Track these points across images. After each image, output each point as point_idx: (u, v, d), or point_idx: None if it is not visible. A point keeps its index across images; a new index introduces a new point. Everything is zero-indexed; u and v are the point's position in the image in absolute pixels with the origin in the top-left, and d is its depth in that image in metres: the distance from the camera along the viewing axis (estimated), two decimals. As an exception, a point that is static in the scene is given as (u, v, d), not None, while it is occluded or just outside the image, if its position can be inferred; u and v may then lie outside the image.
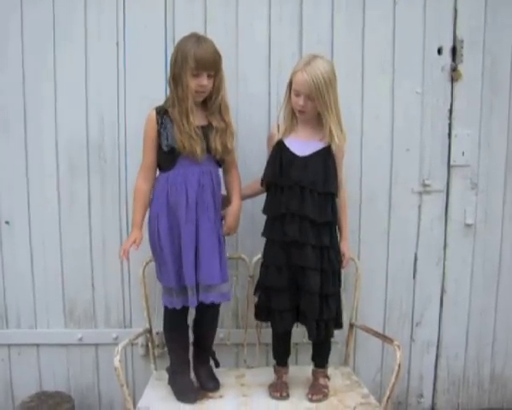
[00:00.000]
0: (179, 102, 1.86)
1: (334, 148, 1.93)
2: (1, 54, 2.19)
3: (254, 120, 2.26)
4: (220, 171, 2.02)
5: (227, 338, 2.29)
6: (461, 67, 2.32)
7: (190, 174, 1.90)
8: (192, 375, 2.04)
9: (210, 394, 1.99)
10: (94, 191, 2.28)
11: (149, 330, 2.16)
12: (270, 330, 2.06)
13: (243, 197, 2.08)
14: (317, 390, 1.97)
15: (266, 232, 1.99)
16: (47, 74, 2.21)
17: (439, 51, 2.31)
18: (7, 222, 2.28)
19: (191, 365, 2.05)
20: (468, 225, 2.40)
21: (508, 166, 2.40)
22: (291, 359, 2.12)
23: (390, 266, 2.40)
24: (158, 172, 1.97)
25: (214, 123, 1.92)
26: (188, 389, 1.96)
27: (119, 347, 1.81)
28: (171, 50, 1.97)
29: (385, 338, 1.99)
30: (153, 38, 2.21)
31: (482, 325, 2.47)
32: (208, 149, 1.91)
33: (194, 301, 1.88)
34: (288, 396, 1.96)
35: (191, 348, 2.08)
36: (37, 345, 2.34)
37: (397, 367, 1.79)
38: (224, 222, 1.99)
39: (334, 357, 2.14)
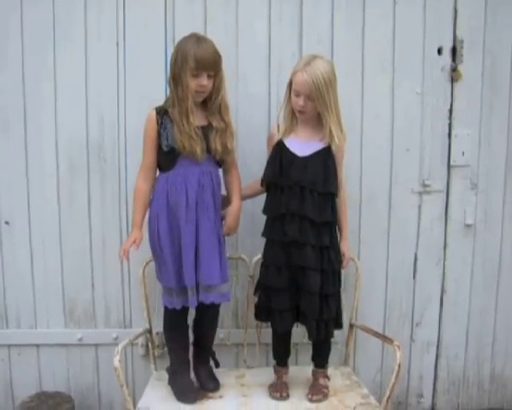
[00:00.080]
0: (179, 102, 1.86)
1: (334, 148, 1.93)
2: (1, 54, 2.19)
3: (254, 120, 2.26)
4: (220, 171, 2.02)
5: (227, 338, 2.29)
6: (461, 67, 2.32)
7: (190, 174, 1.90)
8: (192, 375, 2.04)
9: (210, 394, 1.98)
10: (94, 191, 2.28)
11: (149, 331, 2.16)
12: (270, 331, 2.06)
13: (243, 197, 2.07)
14: (317, 390, 1.97)
15: (266, 232, 1.99)
16: (47, 74, 2.21)
17: (439, 51, 2.31)
18: (7, 222, 2.28)
19: (191, 365, 2.05)
20: (468, 226, 2.41)
21: (508, 167, 2.40)
22: (291, 359, 2.12)
23: (390, 266, 2.40)
24: (158, 173, 1.97)
25: (214, 123, 1.92)
26: (188, 389, 1.96)
27: (119, 347, 1.81)
28: (171, 50, 1.97)
29: (385, 338, 1.99)
30: (153, 38, 2.21)
31: (482, 325, 2.47)
32: (208, 150, 1.91)
33: (194, 302, 1.88)
34: (287, 396, 1.96)
35: (191, 349, 2.08)
36: (37, 345, 2.34)
37: (397, 367, 1.79)
38: (224, 222, 1.99)
39: (334, 357, 2.14)
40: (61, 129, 2.24)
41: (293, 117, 1.97)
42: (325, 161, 1.93)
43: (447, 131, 2.36)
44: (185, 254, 1.87)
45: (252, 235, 2.23)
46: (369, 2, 2.26)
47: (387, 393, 1.82)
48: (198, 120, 1.90)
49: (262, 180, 2.00)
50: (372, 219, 2.36)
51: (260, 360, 2.27)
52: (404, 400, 2.50)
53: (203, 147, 1.88)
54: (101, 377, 2.37)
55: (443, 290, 2.44)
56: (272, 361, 2.11)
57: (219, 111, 1.94)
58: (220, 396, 1.98)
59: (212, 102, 1.93)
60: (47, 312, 2.33)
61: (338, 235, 2.02)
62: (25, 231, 2.28)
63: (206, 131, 1.91)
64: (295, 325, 2.01)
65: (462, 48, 2.30)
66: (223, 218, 1.99)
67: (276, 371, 2.07)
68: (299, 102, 1.88)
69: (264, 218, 2.00)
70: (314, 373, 2.05)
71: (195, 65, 1.81)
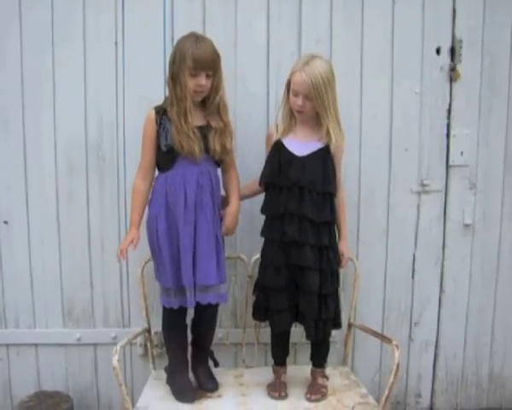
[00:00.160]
0: (178, 101, 1.86)
1: (332, 148, 1.93)
2: (0, 54, 2.19)
3: (253, 120, 2.26)
4: (219, 171, 2.02)
5: (226, 338, 2.29)
6: (459, 67, 2.32)
7: (189, 174, 1.90)
8: (190, 375, 2.04)
9: (208, 393, 1.99)
10: (92, 191, 2.28)
11: (148, 330, 2.16)
12: (268, 330, 2.06)
13: (242, 197, 2.07)
14: (316, 390, 1.97)
15: (265, 232, 1.99)
16: (46, 74, 2.21)
17: (438, 51, 2.31)
18: (5, 222, 2.28)
19: (190, 365, 2.05)
20: (466, 225, 2.41)
21: (506, 166, 2.40)
22: (290, 358, 2.12)
23: (389, 266, 2.40)
24: (157, 172, 1.98)
25: (213, 123, 1.92)
26: (186, 388, 1.96)
27: (118, 346, 1.81)
28: (169, 50, 1.97)
29: (383, 338, 1.99)
30: (151, 38, 2.21)
31: (481, 324, 2.48)
32: (207, 150, 1.91)
33: (192, 302, 1.88)
34: (286, 396, 1.97)
35: (190, 348, 2.08)
36: (36, 345, 2.34)
37: (395, 367, 1.79)
38: (222, 222, 1.99)
39: (332, 357, 2.14)
40: (60, 129, 2.24)
41: (292, 117, 1.97)
42: (324, 160, 1.93)
43: (446, 131, 2.36)
44: (183, 255, 1.87)
45: (250, 235, 2.23)
46: (368, 1, 2.26)
47: (386, 392, 1.82)
48: (197, 119, 1.90)
49: (260, 180, 2.00)
50: (371, 219, 2.36)
51: (259, 359, 2.27)
52: (403, 399, 2.50)
53: (201, 147, 1.88)
54: (100, 377, 2.38)
55: (441, 290, 2.44)
56: (271, 361, 2.11)
57: (218, 111, 1.94)
58: (219, 396, 1.98)
59: (210, 102, 1.93)
60: (45, 311, 2.33)
61: (336, 235, 2.02)
62: (23, 230, 2.28)
63: (204, 131, 1.91)
64: (294, 324, 2.01)
65: (460, 48, 2.30)
66: (221, 218, 1.99)
67: (274, 371, 2.07)
68: (298, 101, 1.88)
69: (262, 217, 2.00)
70: (313, 373, 2.05)
71: (193, 64, 1.81)
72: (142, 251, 2.00)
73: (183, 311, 1.97)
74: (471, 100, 2.35)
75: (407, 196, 2.37)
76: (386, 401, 1.82)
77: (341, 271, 2.05)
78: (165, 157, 1.92)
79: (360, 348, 2.41)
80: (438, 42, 2.31)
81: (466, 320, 2.46)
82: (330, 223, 1.95)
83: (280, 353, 2.08)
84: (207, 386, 2.01)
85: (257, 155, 2.19)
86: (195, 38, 1.85)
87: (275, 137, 1.99)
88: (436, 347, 2.48)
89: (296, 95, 1.88)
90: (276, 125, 2.01)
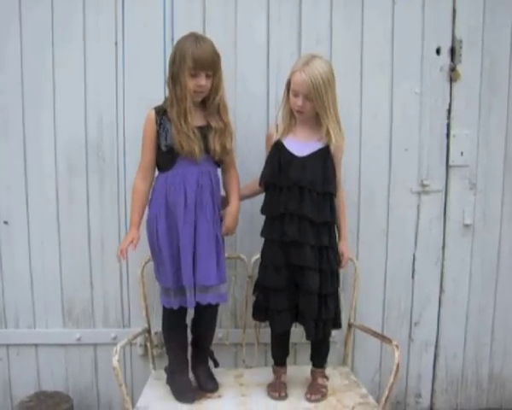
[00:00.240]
0: (177, 102, 1.86)
1: (332, 148, 1.93)
2: (0, 54, 2.19)
3: (253, 120, 2.26)
4: (219, 171, 2.02)
5: (226, 338, 2.29)
6: (459, 67, 2.32)
7: (189, 174, 1.90)
8: (190, 375, 2.04)
9: (208, 393, 1.98)
10: (92, 191, 2.28)
11: (148, 330, 2.16)
12: (268, 330, 2.06)
13: (242, 198, 2.07)
14: (316, 390, 1.97)
15: (265, 232, 1.99)
16: (46, 74, 2.21)
17: (438, 51, 2.31)
18: (5, 222, 2.28)
19: (189, 365, 2.05)
20: (466, 225, 2.41)
21: (506, 167, 2.40)
22: (289, 359, 2.12)
23: (389, 266, 2.40)
24: (157, 172, 1.97)
25: (213, 123, 1.92)
26: (186, 388, 1.96)
27: (118, 346, 1.81)
28: (169, 50, 1.97)
29: (383, 338, 1.99)
30: (151, 38, 2.21)
31: (481, 324, 2.48)
32: (207, 150, 1.91)
33: (192, 302, 1.88)
34: (286, 396, 1.97)
35: (190, 348, 2.08)
36: (36, 345, 2.34)
37: (395, 367, 1.79)
38: (223, 223, 1.99)
39: (332, 357, 2.14)
40: (60, 129, 2.24)
41: (292, 117, 1.97)
42: (324, 161, 1.93)
43: (446, 131, 2.36)
44: (183, 255, 1.87)
45: (250, 235, 2.23)
46: (368, 2, 2.26)
47: (386, 393, 1.82)
48: (197, 120, 1.90)
49: (260, 180, 2.00)
50: (371, 219, 2.36)
51: (259, 359, 2.27)
52: (403, 399, 2.50)
53: (201, 147, 1.88)
54: (100, 377, 2.38)
55: (441, 290, 2.44)
56: (271, 361, 2.11)
57: (218, 111, 1.94)
58: (219, 396, 1.98)
59: (210, 102, 1.93)
60: (45, 311, 2.33)
61: (336, 235, 2.02)
62: (23, 230, 2.28)
63: (204, 131, 1.91)
64: (294, 324, 2.01)
65: (460, 48, 2.30)
66: (222, 218, 1.99)
67: (274, 371, 2.07)
68: (298, 102, 1.88)
69: (262, 218, 1.99)
70: (313, 373, 2.05)
71: (193, 65, 1.81)
72: (142, 251, 2.00)
73: (183, 311, 1.97)
74: (471, 100, 2.35)
75: (407, 196, 2.37)
76: (386, 401, 1.82)
77: (341, 271, 2.05)
78: (165, 157, 1.91)
79: (360, 349, 2.41)
80: (438, 42, 2.31)
81: (466, 320, 2.46)
82: (330, 223, 1.95)
83: (280, 353, 2.08)
84: (207, 386, 2.01)
85: (257, 155, 2.19)
86: (195, 38, 1.85)
87: (275, 138, 1.99)
88: (436, 347, 2.48)
89: (296, 95, 1.88)
90: (276, 126, 2.01)
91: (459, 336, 2.48)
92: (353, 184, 2.31)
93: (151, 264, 2.03)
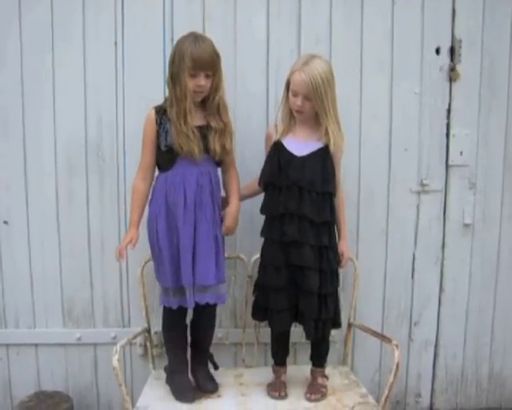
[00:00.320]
0: (177, 102, 1.86)
1: (332, 148, 1.93)
2: (0, 54, 2.19)
3: (253, 120, 2.26)
4: (219, 171, 2.01)
5: (225, 338, 2.29)
6: (459, 67, 2.32)
7: (189, 174, 1.90)
8: (190, 376, 2.04)
9: (208, 394, 1.98)
10: (92, 191, 2.28)
11: (148, 330, 2.16)
12: (268, 330, 2.06)
13: (242, 198, 2.07)
14: (316, 390, 1.97)
15: (265, 232, 1.99)
16: (45, 74, 2.21)
17: (438, 51, 2.31)
18: (5, 222, 2.28)
19: (189, 365, 2.05)
20: (466, 225, 2.41)
21: (506, 166, 2.40)
22: (289, 358, 2.12)
23: (388, 266, 2.40)
24: (157, 172, 1.97)
25: (213, 123, 1.92)
26: (186, 388, 1.96)
27: (118, 346, 1.81)
28: (169, 50, 1.97)
29: (383, 338, 1.99)
30: (151, 38, 2.21)
31: (480, 324, 2.48)
32: (207, 150, 1.91)
33: (192, 302, 1.88)
34: (286, 396, 1.97)
35: (189, 349, 2.08)
36: (36, 345, 2.34)
37: (395, 367, 1.79)
38: (223, 223, 1.99)
39: (332, 356, 2.14)
40: (60, 129, 2.24)
41: (291, 117, 1.97)
42: (323, 160, 1.93)
43: (445, 130, 2.36)
44: (183, 255, 1.86)
45: (250, 235, 2.23)
46: (368, 0, 2.26)
47: (386, 392, 1.82)
48: (196, 120, 1.90)
49: (260, 180, 2.00)
50: (370, 219, 2.36)
51: (259, 359, 2.27)
52: (403, 399, 2.50)
53: (201, 147, 1.88)
54: (100, 377, 2.38)
55: (441, 290, 2.44)
56: (271, 361, 2.11)
57: (218, 111, 1.93)
58: (219, 396, 1.98)
59: (210, 102, 1.92)
60: (45, 311, 2.33)
61: (336, 235, 2.02)
62: (23, 230, 2.28)
63: (204, 131, 1.91)
64: (294, 324, 2.01)
65: (460, 47, 2.31)
66: (222, 219, 1.99)
67: (274, 371, 2.07)
68: (297, 102, 1.88)
69: (262, 217, 1.99)
70: (312, 373, 2.05)
71: (192, 64, 1.81)
72: (142, 251, 2.00)
73: (182, 311, 1.97)
74: (471, 100, 2.35)
75: (407, 196, 2.37)
76: (385, 400, 1.82)
77: (341, 271, 2.06)
78: (164, 157, 1.91)
79: (360, 348, 2.41)
80: (437, 42, 2.31)
81: (466, 320, 2.46)
82: (330, 223, 1.95)
83: (280, 353, 2.08)
84: (207, 387, 2.00)
85: (257, 155, 2.18)
86: (195, 37, 1.85)
87: (274, 138, 1.99)
88: (436, 346, 2.48)
89: (295, 95, 1.88)
90: (276, 125, 2.01)
91: (459, 335, 2.48)
92: (353, 183, 2.32)
93: (151, 264, 2.03)
